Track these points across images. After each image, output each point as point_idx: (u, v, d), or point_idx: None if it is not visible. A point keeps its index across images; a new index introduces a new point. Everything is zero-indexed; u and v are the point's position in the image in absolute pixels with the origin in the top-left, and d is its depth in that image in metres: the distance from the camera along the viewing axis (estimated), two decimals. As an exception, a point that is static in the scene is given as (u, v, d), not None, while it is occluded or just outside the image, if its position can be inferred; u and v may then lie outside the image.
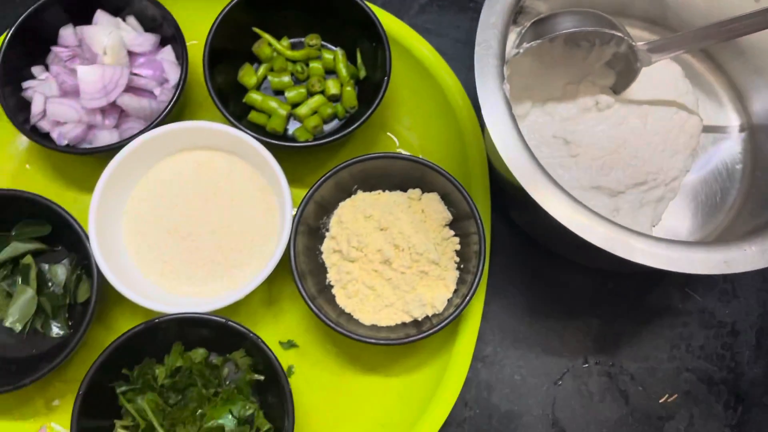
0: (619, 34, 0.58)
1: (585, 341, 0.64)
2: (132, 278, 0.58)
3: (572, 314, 0.65)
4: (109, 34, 0.60)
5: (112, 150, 0.58)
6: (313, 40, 0.67)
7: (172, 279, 0.59)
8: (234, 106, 0.64)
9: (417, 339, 0.56)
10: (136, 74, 0.62)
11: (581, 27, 0.58)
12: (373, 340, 0.56)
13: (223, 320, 0.54)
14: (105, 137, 0.61)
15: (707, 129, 0.66)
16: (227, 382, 0.57)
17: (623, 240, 0.49)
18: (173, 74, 0.63)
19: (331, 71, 0.67)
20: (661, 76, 0.65)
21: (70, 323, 0.59)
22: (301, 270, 0.58)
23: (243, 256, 0.59)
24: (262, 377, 0.56)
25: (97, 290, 0.56)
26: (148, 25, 0.65)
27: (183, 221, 0.59)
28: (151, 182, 0.60)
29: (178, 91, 0.60)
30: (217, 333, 0.56)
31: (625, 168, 0.62)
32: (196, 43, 0.66)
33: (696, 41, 0.58)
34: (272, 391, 0.56)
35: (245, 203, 0.60)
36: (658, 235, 0.63)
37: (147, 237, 0.59)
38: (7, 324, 0.57)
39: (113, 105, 0.60)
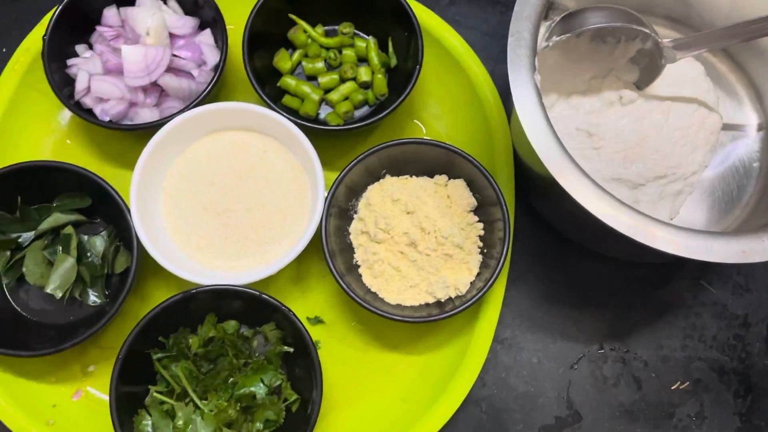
0: (646, 30, 0.60)
1: (601, 328, 0.66)
2: (168, 251, 0.60)
3: (589, 302, 0.67)
4: (152, 15, 0.62)
5: (152, 127, 0.61)
6: (346, 28, 0.69)
7: (206, 253, 0.61)
8: (269, 90, 0.66)
9: (440, 318, 0.58)
10: (175, 56, 0.64)
11: (609, 23, 0.60)
12: (398, 317, 0.58)
13: (257, 293, 0.57)
14: (146, 115, 0.63)
15: (726, 127, 0.68)
16: (257, 354, 0.60)
17: (645, 227, 0.51)
18: (211, 57, 0.65)
19: (363, 59, 0.69)
20: (684, 74, 0.67)
21: (107, 292, 0.62)
22: (332, 249, 0.60)
23: (275, 234, 0.62)
24: (291, 349, 0.58)
25: (136, 261, 0.58)
26: (189, 9, 0.67)
27: (219, 198, 0.62)
28: (189, 160, 0.63)
29: (218, 73, 0.62)
30: (249, 306, 0.58)
31: (646, 161, 0.64)
32: (233, 27, 0.68)
33: (720, 40, 0.60)
34: (300, 363, 0.58)
35: (279, 183, 0.62)
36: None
37: (184, 212, 0.62)
38: (49, 290, 0.60)
39: (154, 84, 0.62)
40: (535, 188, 0.66)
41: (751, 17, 0.63)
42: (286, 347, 0.58)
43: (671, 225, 0.51)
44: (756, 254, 0.50)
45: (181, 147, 0.63)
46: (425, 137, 0.70)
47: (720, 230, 0.66)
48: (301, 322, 0.57)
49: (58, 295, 0.60)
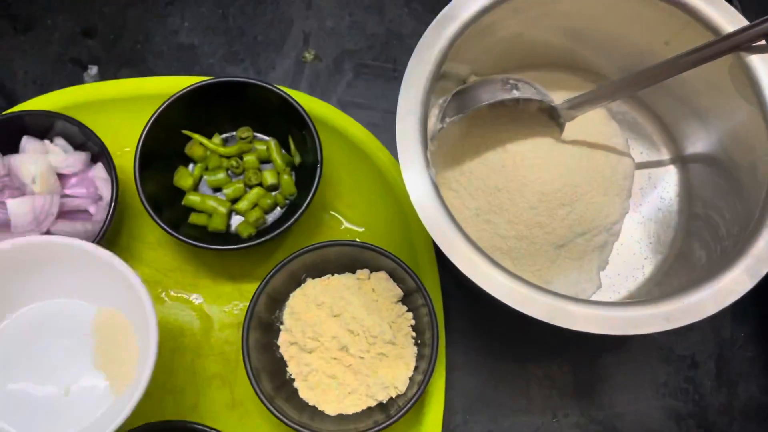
0: (538, 98, 0.59)
1: (551, 395, 0.64)
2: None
3: (535, 368, 0.65)
4: (35, 162, 0.60)
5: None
6: (244, 133, 0.67)
7: None
8: (175, 211, 0.64)
9: (383, 427, 0.56)
10: (69, 195, 0.62)
11: (501, 97, 0.59)
12: (339, 436, 0.56)
13: (192, 424, 0.54)
14: (44, 268, 0.60)
15: (640, 166, 0.68)
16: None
17: (563, 308, 0.49)
18: (107, 191, 0.62)
19: (266, 161, 0.68)
20: (588, 122, 0.66)
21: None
22: (256, 368, 0.58)
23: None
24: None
25: None
26: (78, 143, 0.64)
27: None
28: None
29: (112, 208, 0.60)
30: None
31: (563, 220, 0.63)
32: (129, 150, 0.66)
33: (613, 94, 0.59)
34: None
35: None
36: (613, 276, 0.64)
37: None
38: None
39: (48, 233, 0.59)
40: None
41: (637, 55, 0.63)
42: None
43: (589, 302, 0.50)
44: (678, 319, 0.50)
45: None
46: (345, 226, 0.67)
47: (656, 269, 0.65)
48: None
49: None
